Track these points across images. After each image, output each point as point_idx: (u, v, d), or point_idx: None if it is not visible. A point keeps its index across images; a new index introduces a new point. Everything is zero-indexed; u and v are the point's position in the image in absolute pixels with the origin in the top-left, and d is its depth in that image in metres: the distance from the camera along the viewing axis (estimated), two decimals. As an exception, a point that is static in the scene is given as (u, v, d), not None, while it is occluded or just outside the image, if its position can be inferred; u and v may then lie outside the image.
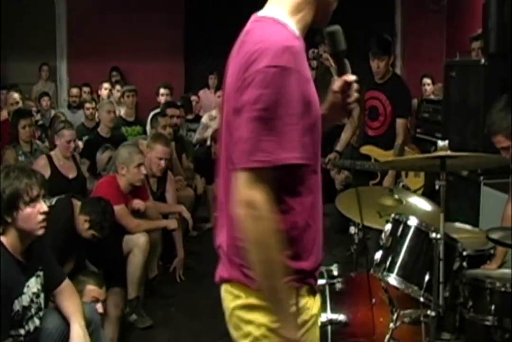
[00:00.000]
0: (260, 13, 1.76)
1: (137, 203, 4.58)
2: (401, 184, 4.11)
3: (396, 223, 2.95)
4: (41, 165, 4.85)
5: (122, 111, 7.13)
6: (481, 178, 4.43)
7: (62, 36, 9.31)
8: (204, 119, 7.40)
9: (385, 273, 2.87)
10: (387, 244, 2.93)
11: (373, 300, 2.97)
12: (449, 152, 2.72)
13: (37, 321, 2.86)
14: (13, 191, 2.69)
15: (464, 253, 2.96)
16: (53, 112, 7.70)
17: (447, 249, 2.74)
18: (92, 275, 3.66)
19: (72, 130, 5.20)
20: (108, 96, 8.04)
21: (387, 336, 2.85)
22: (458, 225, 3.63)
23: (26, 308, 2.78)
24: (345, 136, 5.07)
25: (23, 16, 8.87)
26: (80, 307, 2.99)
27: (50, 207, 2.90)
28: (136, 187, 4.58)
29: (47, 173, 4.64)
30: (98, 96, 8.25)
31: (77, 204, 3.86)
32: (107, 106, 6.35)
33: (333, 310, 2.95)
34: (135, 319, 4.27)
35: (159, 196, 5.07)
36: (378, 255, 2.94)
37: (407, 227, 2.91)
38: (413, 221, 2.91)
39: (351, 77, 1.85)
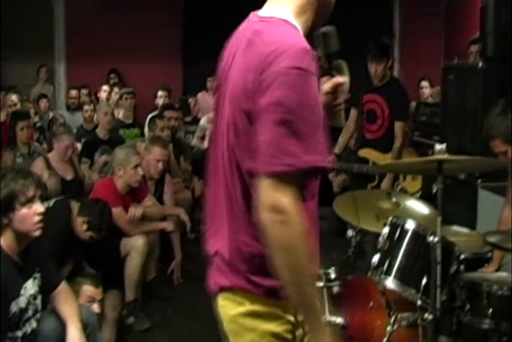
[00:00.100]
0: (264, 13, 1.70)
1: (132, 211, 4.53)
2: (399, 187, 4.11)
3: (393, 226, 2.95)
4: (39, 167, 4.84)
5: (120, 113, 7.13)
6: (479, 181, 4.43)
7: (61, 37, 9.28)
8: (203, 121, 7.39)
9: (382, 276, 2.88)
10: (384, 247, 2.93)
11: (371, 303, 2.97)
12: (446, 156, 2.72)
13: (34, 323, 2.86)
14: (9, 191, 2.68)
15: (462, 256, 2.95)
16: (51, 114, 7.67)
17: (445, 252, 2.74)
18: (89, 276, 3.67)
19: (71, 137, 5.20)
20: (107, 99, 8.03)
21: (385, 339, 2.84)
22: (455, 228, 3.64)
23: (23, 310, 2.78)
24: (343, 139, 5.08)
25: (22, 17, 8.84)
26: (77, 310, 2.98)
27: (48, 208, 2.90)
28: (134, 188, 4.59)
29: (44, 175, 4.65)
30: (97, 98, 8.24)
31: (75, 205, 3.86)
32: (105, 108, 6.36)
33: (330, 313, 2.95)
34: (133, 321, 4.27)
35: (157, 198, 5.07)
36: (375, 258, 2.94)
37: (404, 230, 2.91)
38: (410, 224, 2.91)
39: (340, 79, 1.84)
